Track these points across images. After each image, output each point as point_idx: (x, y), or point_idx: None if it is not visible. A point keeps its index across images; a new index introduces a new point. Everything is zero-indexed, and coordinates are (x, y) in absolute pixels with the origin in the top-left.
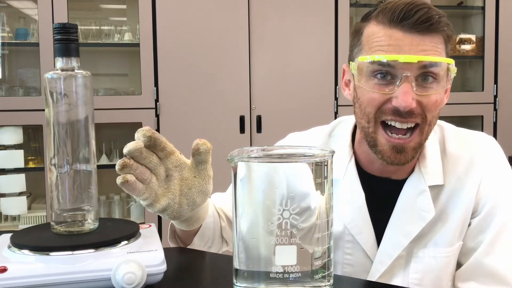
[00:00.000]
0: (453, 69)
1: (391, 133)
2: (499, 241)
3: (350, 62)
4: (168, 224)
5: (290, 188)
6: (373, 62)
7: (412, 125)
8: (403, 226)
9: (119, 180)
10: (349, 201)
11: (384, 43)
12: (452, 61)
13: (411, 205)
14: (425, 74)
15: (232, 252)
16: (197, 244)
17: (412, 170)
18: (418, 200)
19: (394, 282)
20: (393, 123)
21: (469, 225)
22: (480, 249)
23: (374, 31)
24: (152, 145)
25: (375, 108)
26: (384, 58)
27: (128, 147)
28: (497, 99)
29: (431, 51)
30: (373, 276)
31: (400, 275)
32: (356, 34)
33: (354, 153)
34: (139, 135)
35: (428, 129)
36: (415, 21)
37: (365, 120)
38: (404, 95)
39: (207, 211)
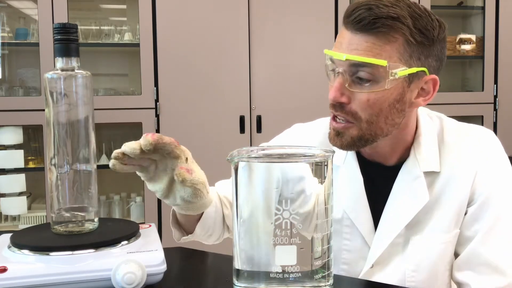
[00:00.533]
0: (399, 72)
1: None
2: (494, 230)
3: None
4: (169, 224)
5: (285, 174)
6: (325, 56)
7: (343, 119)
8: (399, 211)
9: (110, 163)
10: (348, 186)
11: (338, 39)
12: (382, 63)
13: (406, 190)
14: (358, 72)
15: (232, 249)
16: (198, 232)
17: (404, 158)
18: (413, 185)
19: (391, 269)
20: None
21: (466, 213)
22: (476, 239)
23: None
24: (154, 150)
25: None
26: (325, 52)
27: (124, 148)
28: (497, 99)
29: (364, 51)
30: (370, 262)
31: (397, 262)
32: None
33: None
34: (142, 142)
35: (368, 127)
36: (352, 21)
37: None
38: (332, 88)
39: (211, 200)
